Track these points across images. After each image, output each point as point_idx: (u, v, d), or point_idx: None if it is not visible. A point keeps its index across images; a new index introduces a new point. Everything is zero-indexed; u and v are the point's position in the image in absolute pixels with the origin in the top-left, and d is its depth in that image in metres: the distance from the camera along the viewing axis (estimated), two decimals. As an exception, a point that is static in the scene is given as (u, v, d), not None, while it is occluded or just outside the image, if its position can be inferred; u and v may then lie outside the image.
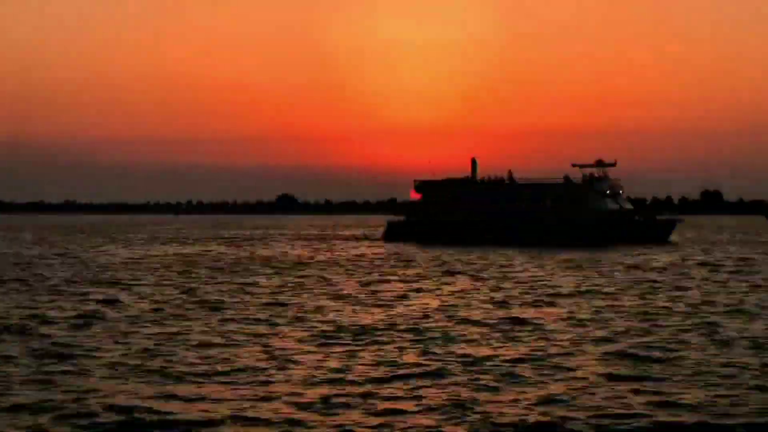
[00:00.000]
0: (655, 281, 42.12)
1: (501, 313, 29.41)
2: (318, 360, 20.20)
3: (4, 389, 16.85)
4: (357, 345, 22.33)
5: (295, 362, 19.82)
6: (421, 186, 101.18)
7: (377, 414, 14.88)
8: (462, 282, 42.28)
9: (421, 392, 16.57)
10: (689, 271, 48.59)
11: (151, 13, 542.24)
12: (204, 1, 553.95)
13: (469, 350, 21.38)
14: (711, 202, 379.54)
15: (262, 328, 25.43)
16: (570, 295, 35.30)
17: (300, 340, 23.21)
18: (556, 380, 17.77)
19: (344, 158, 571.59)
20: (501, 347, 21.99)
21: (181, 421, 14.19)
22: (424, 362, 19.71)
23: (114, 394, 16.18)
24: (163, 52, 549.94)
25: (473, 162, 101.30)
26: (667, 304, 31.75)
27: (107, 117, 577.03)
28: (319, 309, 30.57)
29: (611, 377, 18.16)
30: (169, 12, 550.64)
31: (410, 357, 20.42)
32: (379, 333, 24.42)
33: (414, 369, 18.89)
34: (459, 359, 20.06)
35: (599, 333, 24.72)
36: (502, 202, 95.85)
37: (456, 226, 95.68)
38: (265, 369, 18.92)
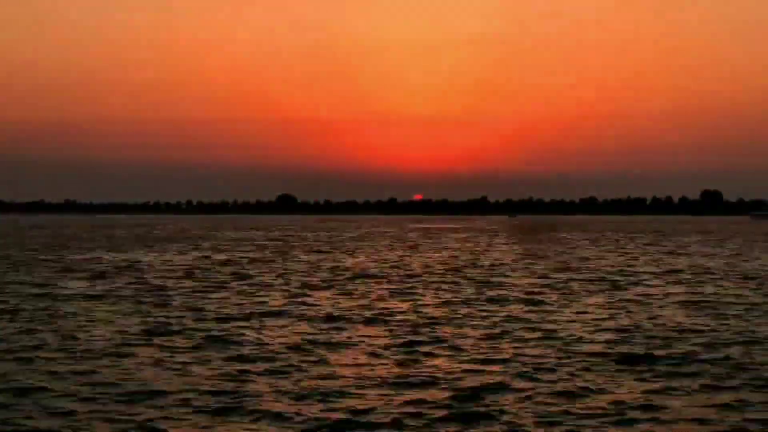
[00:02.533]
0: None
1: None
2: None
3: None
4: None
5: None
6: None
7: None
8: None
9: None
10: None
11: (149, 14, 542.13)
12: (203, 4, 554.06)
13: None
14: (711, 202, 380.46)
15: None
16: None
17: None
18: None
19: (344, 158, 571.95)
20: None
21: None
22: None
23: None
24: (164, 52, 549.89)
25: None
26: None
27: (107, 116, 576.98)
28: None
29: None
30: (168, 13, 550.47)
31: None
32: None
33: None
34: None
35: None
36: None
37: None
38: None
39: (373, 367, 15.80)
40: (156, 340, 18.95)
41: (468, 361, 16.42)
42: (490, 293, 29.63)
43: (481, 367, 15.82)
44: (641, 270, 41.60)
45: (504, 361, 16.50)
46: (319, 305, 25.89)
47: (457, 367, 15.77)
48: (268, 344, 18.46)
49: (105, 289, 31.24)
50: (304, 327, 21.23)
